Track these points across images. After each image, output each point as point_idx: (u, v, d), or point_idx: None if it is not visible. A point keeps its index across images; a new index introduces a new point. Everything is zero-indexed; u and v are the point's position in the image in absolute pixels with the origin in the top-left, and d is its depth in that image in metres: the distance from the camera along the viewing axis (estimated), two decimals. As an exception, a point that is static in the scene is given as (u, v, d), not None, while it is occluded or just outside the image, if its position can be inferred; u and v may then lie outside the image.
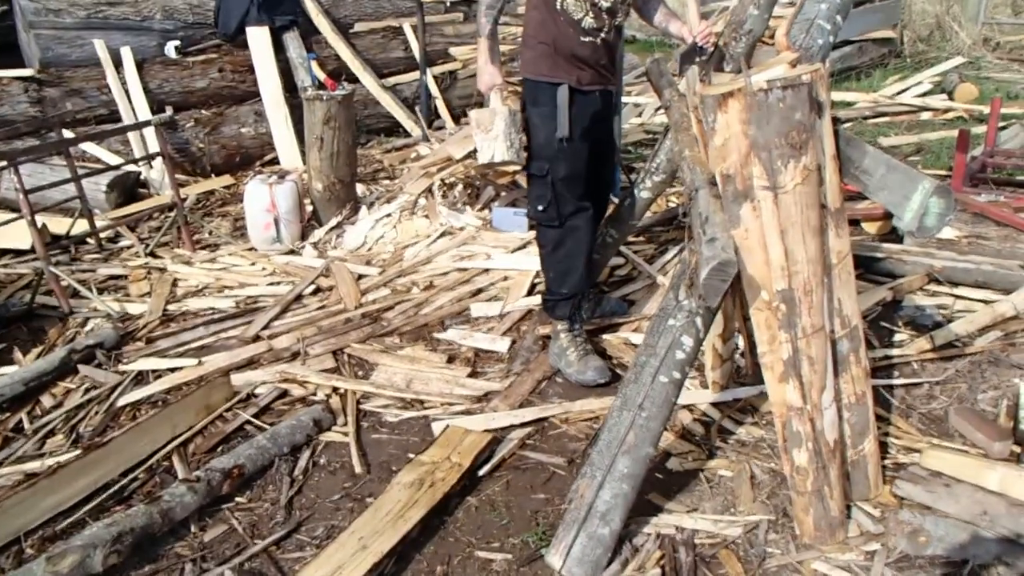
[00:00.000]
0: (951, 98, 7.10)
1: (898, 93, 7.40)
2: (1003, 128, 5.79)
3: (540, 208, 3.01)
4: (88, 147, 5.42)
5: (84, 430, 2.87)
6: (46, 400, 3.06)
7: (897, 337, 3.25)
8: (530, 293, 3.78)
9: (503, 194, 4.85)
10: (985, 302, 3.38)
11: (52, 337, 3.56)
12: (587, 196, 3.04)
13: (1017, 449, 2.48)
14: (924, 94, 7.38)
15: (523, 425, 2.83)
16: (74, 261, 4.36)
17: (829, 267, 2.15)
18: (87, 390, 3.12)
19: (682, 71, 2.65)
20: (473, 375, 3.19)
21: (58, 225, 4.49)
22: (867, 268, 3.73)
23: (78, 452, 2.66)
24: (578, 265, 3.07)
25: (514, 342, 3.42)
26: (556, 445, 2.74)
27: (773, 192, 2.02)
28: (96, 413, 2.97)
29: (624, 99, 6.51)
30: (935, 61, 8.42)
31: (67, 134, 4.93)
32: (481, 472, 2.58)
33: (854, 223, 4.22)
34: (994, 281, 3.47)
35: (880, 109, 7.01)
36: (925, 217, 1.93)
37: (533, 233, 4.34)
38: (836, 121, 2.15)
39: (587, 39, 2.85)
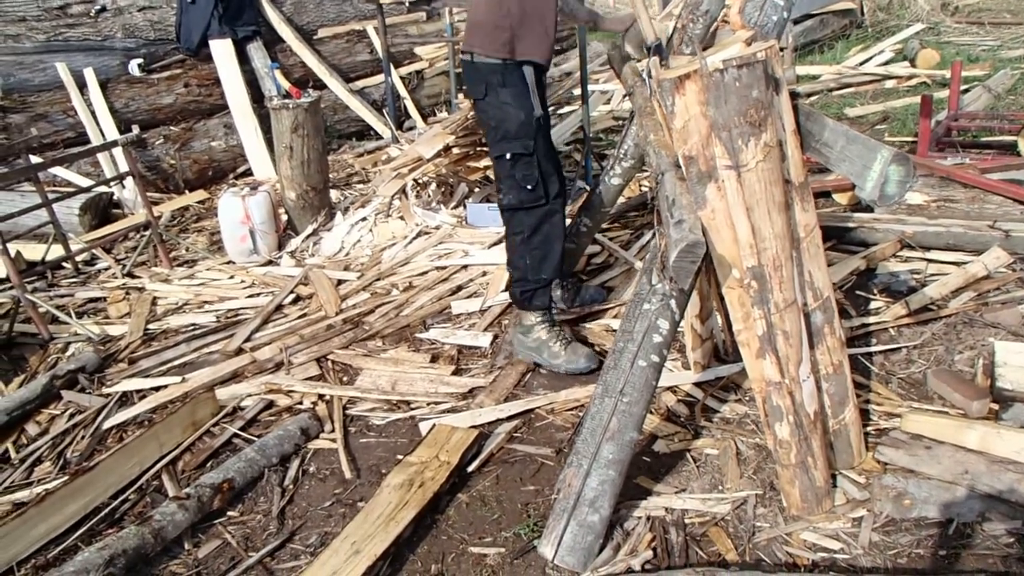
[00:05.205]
0: (913, 65, 7.16)
1: (861, 63, 7.46)
2: (965, 91, 5.86)
3: (529, 187, 2.96)
4: (58, 171, 5.38)
5: (71, 455, 2.87)
6: (31, 428, 3.05)
7: (873, 305, 3.29)
8: (509, 287, 3.78)
9: (476, 190, 4.86)
10: (957, 264, 3.43)
11: (33, 365, 3.54)
12: (560, 173, 3.10)
13: (995, 407, 2.52)
14: (887, 62, 7.44)
15: (509, 419, 2.85)
16: (51, 287, 4.34)
17: (797, 241, 2.18)
18: (72, 415, 3.11)
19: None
20: (457, 372, 3.20)
21: (33, 251, 4.46)
22: (840, 239, 3.77)
23: (66, 478, 2.65)
24: (556, 248, 3.07)
25: (496, 337, 3.43)
26: (543, 436, 2.76)
27: (736, 171, 2.04)
28: (82, 438, 2.96)
29: (591, 87, 6.52)
30: (896, 29, 8.48)
31: (35, 159, 4.89)
32: (470, 468, 2.60)
33: (825, 195, 4.26)
34: (964, 243, 3.52)
35: (845, 80, 7.07)
36: (886, 185, 1.95)
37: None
38: (795, 96, 2.17)
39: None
